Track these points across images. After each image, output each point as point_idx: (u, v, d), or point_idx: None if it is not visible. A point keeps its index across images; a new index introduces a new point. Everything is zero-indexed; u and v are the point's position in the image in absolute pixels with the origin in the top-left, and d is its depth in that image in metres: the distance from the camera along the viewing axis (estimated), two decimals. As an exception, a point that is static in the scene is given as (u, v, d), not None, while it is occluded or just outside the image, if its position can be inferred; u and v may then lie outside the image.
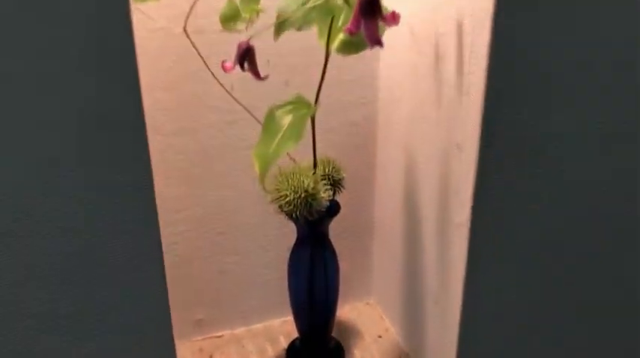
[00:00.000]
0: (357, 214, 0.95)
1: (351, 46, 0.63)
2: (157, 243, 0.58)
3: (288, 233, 0.90)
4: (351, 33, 0.50)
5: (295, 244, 0.81)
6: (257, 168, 0.63)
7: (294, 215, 0.72)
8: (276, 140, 0.64)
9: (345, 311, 0.98)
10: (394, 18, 0.52)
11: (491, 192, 0.68)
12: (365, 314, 0.98)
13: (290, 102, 0.67)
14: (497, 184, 0.68)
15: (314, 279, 0.81)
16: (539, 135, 0.67)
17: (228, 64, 0.63)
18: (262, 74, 0.65)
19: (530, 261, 0.74)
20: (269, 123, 0.65)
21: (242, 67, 0.63)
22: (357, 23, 0.51)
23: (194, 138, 0.82)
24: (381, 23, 0.52)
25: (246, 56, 0.62)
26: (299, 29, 0.62)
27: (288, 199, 0.71)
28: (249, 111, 0.75)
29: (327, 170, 0.77)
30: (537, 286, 0.76)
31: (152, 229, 0.57)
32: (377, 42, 0.52)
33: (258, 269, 0.92)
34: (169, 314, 0.62)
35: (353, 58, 0.84)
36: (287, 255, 0.81)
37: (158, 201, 0.84)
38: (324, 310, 0.84)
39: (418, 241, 0.82)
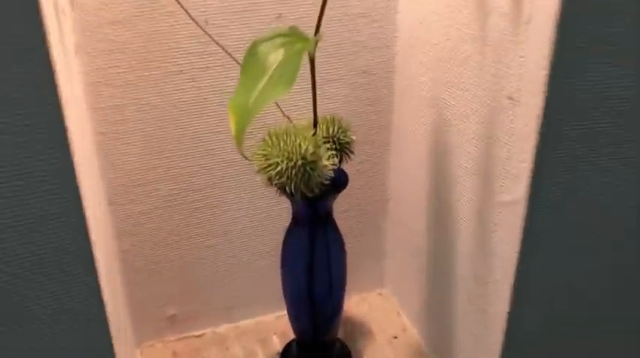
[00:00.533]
0: (368, 186, 0.77)
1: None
2: (83, 233, 0.40)
3: (282, 210, 0.73)
4: None
5: (291, 224, 0.63)
6: (232, 125, 0.44)
7: (287, 189, 0.55)
8: (260, 85, 0.45)
9: (353, 304, 0.81)
10: None
11: (559, 159, 0.49)
12: (377, 308, 0.81)
13: (280, 34, 0.48)
14: (567, 149, 0.49)
15: (314, 268, 0.64)
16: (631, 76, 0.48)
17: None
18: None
19: (604, 251, 0.56)
20: (250, 61, 0.47)
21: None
22: None
23: (159, 90, 0.63)
24: None
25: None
26: None
27: (279, 169, 0.53)
28: (229, 54, 0.57)
29: (331, 130, 0.59)
30: (610, 283, 0.58)
31: (76, 218, 0.39)
32: None
33: (245, 254, 0.75)
34: (108, 330, 0.44)
35: (365, -16, 0.66)
36: (281, 237, 0.64)
37: (116, 172, 0.66)
38: (327, 306, 0.67)
39: (447, 222, 0.65)
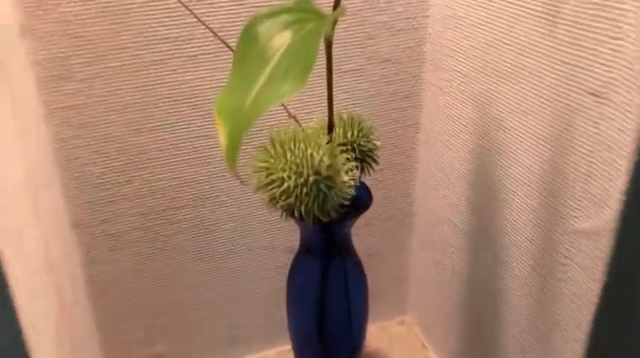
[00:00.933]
0: (390, 198, 0.64)
1: None
2: None
3: (287, 229, 0.60)
4: None
5: (299, 252, 0.51)
6: (222, 136, 0.32)
7: (296, 212, 0.42)
8: (261, 80, 0.33)
9: (370, 335, 0.69)
10: None
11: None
12: (399, 339, 0.69)
13: (287, 10, 0.35)
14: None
15: (328, 306, 0.52)
16: None
17: None
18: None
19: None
20: (247, 47, 0.34)
21: None
22: None
23: (133, 85, 0.50)
24: None
25: None
26: None
27: (285, 186, 0.41)
28: (219, 38, 0.45)
29: (349, 135, 0.47)
30: None
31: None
32: None
33: (243, 281, 0.63)
34: None
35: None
36: (286, 260, 0.52)
37: (80, 187, 0.53)
38: (342, 349, 0.54)
39: (490, 246, 0.52)
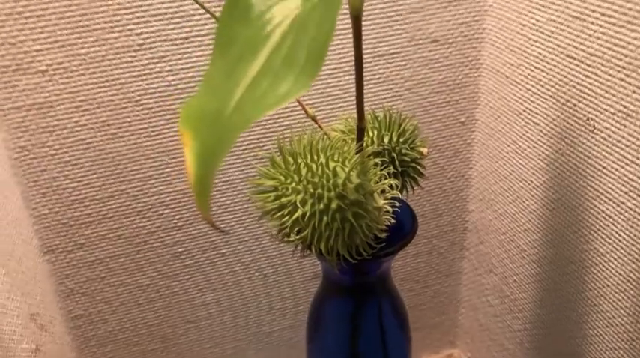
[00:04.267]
0: (439, 211, 0.52)
1: None
2: None
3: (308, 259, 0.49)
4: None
5: (322, 290, 0.40)
6: (190, 156, 0.21)
7: (314, 248, 0.31)
8: (251, 74, 0.22)
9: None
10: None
11: None
12: (447, 380, 0.57)
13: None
14: None
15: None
16: None
17: None
18: None
19: None
20: (232, 22, 0.23)
21: None
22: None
23: (107, 76, 0.39)
24: None
25: None
26: None
27: (299, 214, 0.30)
28: (206, 10, 0.33)
29: (388, 141, 0.35)
30: None
31: None
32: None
33: (255, 312, 0.52)
34: None
35: None
36: (307, 294, 0.41)
37: (50, 205, 0.42)
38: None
39: (571, 281, 0.40)
